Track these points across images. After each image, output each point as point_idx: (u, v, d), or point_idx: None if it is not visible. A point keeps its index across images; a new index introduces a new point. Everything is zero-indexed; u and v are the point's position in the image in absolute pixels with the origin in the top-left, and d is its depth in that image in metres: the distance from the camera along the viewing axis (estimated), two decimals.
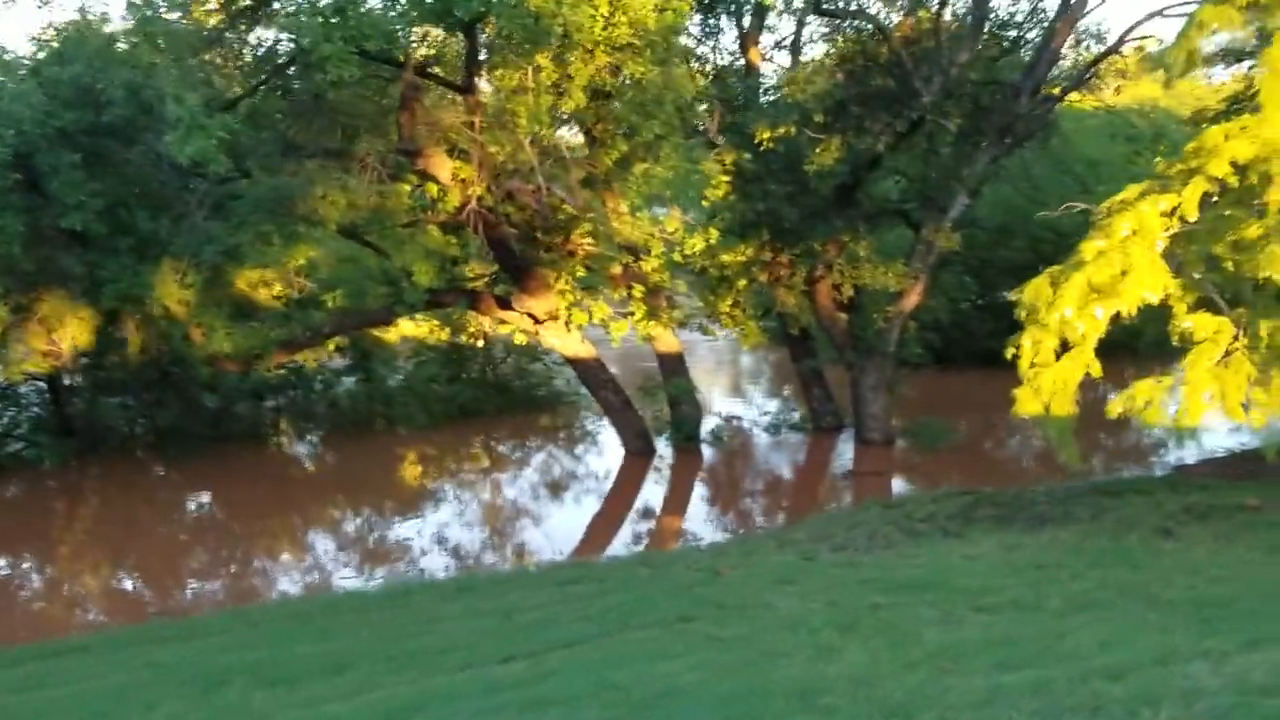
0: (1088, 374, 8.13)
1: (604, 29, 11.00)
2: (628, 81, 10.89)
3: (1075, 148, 23.44)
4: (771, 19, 17.52)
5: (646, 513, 14.97)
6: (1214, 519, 9.37)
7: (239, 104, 11.97)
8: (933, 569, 8.26)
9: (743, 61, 16.94)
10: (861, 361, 16.77)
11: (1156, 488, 12.34)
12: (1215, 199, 7.89)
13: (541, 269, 14.79)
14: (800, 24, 17.39)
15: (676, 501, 15.44)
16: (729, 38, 22.33)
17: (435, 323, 20.61)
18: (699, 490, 16.21)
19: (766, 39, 18.10)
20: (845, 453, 17.55)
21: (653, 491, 15.91)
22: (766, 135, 14.83)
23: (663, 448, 17.08)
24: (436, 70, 12.56)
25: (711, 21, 17.26)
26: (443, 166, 12.34)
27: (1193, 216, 7.88)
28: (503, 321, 16.18)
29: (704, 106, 13.57)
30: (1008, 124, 14.55)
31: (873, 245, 16.64)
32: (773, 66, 18.51)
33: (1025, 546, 8.89)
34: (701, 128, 13.67)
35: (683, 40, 17.00)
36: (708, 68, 17.10)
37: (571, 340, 15.88)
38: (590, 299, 14.56)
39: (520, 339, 16.51)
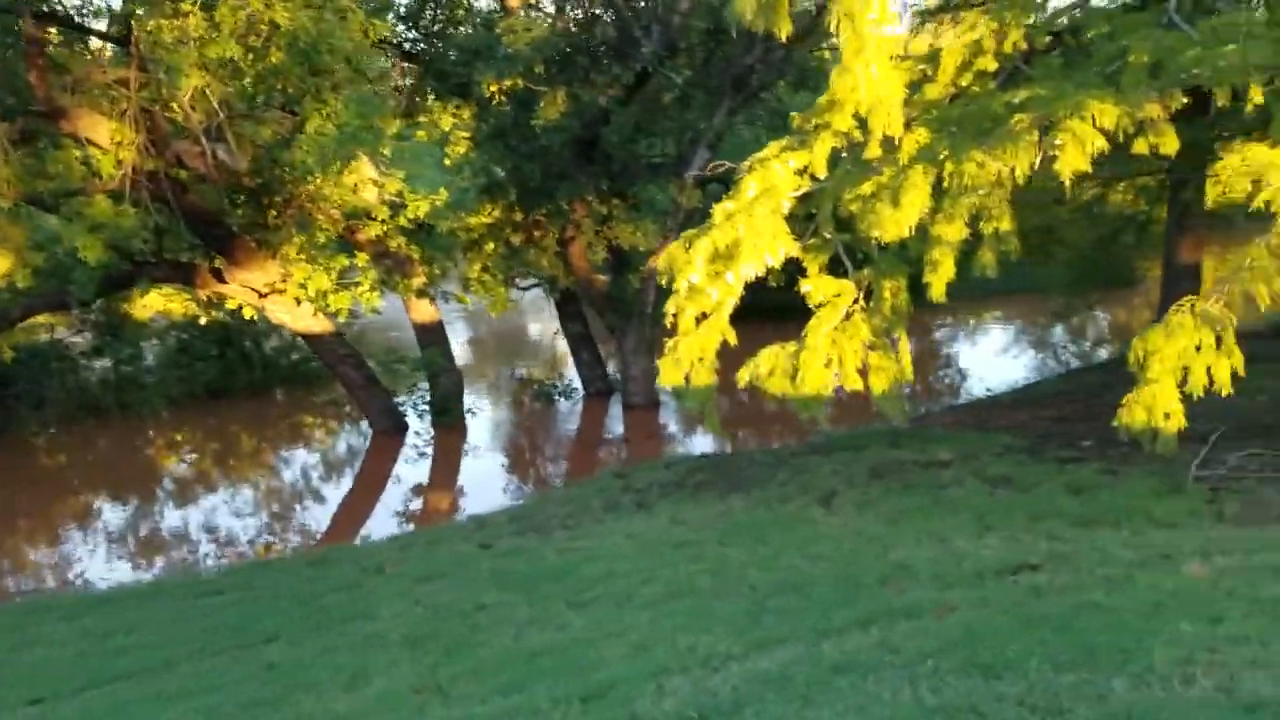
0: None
1: None
2: (279, 29, 9.80)
3: None
4: None
5: (385, 497, 14.13)
6: (889, 478, 9.21)
7: None
8: (579, 554, 7.76)
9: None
10: (621, 324, 16.28)
11: (876, 441, 12.21)
12: (845, 154, 7.54)
13: (252, 239, 13.61)
14: None
15: (421, 482, 14.63)
16: None
17: (185, 296, 19.14)
18: (451, 468, 15.45)
19: None
20: (615, 418, 17.14)
21: (402, 472, 15.05)
22: (494, 88, 14.02)
23: (422, 424, 16.26)
24: (92, 21, 11.15)
25: None
26: (97, 128, 10.99)
27: (822, 173, 7.51)
28: (224, 296, 14.95)
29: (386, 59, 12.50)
30: (742, 75, 14.11)
31: (626, 204, 16.09)
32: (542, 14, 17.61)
33: (690, 520, 8.52)
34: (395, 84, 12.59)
35: None
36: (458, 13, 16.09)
37: (302, 314, 14.76)
38: (310, 269, 13.47)
39: (249, 313, 15.26)
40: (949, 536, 6.54)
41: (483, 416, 17.78)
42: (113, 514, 13.91)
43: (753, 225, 7.23)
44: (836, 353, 7.17)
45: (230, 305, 15.40)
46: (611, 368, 18.03)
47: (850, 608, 5.17)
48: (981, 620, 4.50)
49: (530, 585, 6.97)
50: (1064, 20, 7.57)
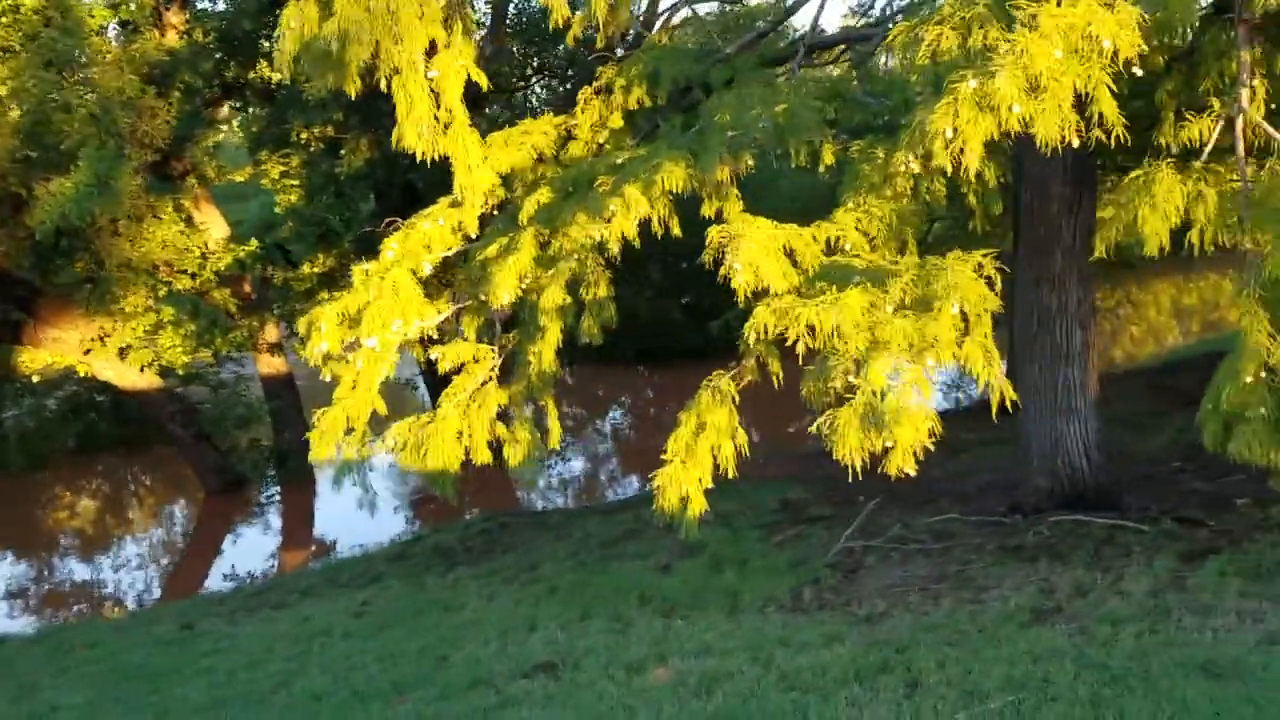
0: None
1: None
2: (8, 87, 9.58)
3: None
4: None
5: (186, 564, 13.68)
6: (610, 548, 8.66)
7: None
8: (227, 644, 7.29)
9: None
10: None
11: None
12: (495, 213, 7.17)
13: (60, 293, 13.38)
14: None
15: (233, 547, 14.15)
16: None
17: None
18: (283, 530, 14.98)
19: None
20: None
21: (232, 536, 14.60)
22: (305, 135, 13.82)
23: (266, 483, 15.87)
24: None
25: None
26: None
27: (474, 232, 7.14)
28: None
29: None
30: None
31: None
32: None
33: (375, 601, 8.03)
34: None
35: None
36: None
37: (128, 371, 14.47)
38: (117, 324, 13.21)
39: (83, 370, 14.96)
40: (543, 624, 6.04)
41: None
42: None
43: (383, 289, 6.84)
44: (466, 424, 6.73)
45: (63, 361, 15.12)
46: None
47: None
48: None
49: (132, 685, 6.50)
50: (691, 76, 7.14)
